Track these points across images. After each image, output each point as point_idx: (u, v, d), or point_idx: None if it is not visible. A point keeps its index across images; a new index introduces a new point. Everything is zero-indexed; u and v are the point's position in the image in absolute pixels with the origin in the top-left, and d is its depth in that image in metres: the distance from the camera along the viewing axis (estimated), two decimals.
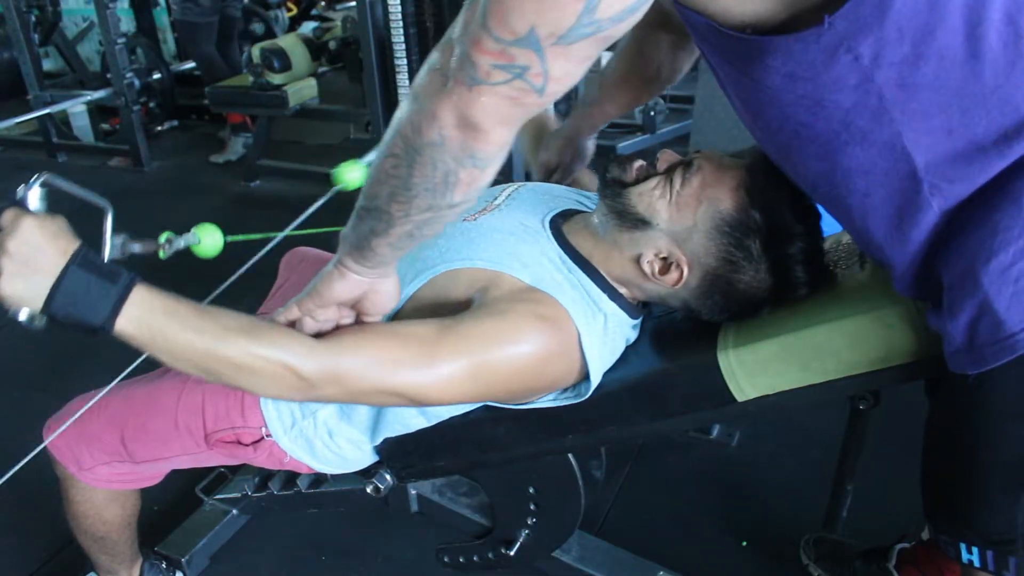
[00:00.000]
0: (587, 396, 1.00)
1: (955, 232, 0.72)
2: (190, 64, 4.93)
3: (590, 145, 1.37)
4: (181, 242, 0.96)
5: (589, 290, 1.01)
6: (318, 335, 0.91)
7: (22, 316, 0.79)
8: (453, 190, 0.74)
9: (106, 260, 0.85)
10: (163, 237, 0.94)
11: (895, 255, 0.78)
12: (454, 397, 0.96)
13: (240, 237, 1.04)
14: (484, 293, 0.98)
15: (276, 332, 0.88)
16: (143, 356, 0.88)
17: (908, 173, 0.71)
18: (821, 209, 0.98)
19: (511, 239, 1.04)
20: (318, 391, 0.88)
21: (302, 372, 0.86)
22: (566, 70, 0.65)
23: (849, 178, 0.75)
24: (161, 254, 0.94)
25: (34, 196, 0.80)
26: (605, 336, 1.01)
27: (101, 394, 1.03)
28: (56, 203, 0.85)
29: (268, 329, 0.88)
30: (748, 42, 0.69)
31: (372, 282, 0.89)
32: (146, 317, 0.81)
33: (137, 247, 0.90)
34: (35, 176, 0.80)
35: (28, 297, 0.78)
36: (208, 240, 0.99)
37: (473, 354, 0.91)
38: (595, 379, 0.99)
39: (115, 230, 0.88)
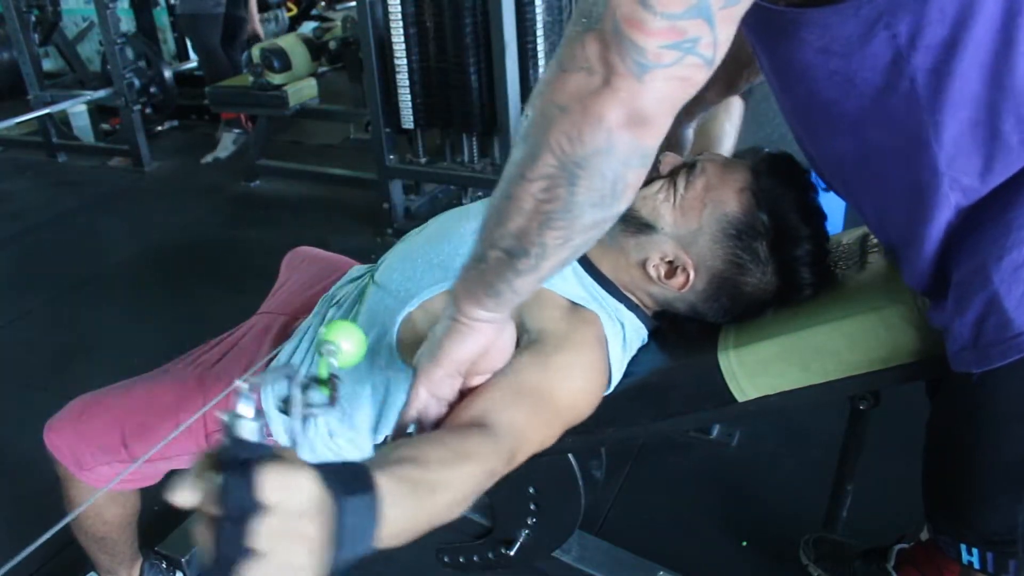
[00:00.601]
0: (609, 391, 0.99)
1: (969, 228, 0.72)
2: (190, 64, 4.94)
3: (688, 135, 1.27)
4: (334, 362, 0.74)
5: (606, 301, 1.01)
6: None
7: None
8: (621, 197, 0.65)
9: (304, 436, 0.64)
10: (323, 371, 0.71)
11: (907, 245, 0.77)
12: (545, 441, 0.86)
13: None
14: (528, 312, 0.92)
15: (474, 444, 0.74)
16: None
17: (930, 163, 0.70)
18: (822, 209, 0.98)
19: None
20: (508, 471, 0.78)
21: (498, 471, 0.75)
22: (729, 33, 0.60)
23: (872, 159, 0.74)
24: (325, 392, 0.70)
25: (248, 426, 0.50)
26: (625, 345, 1.01)
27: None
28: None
29: (469, 446, 0.74)
30: (784, 14, 0.68)
31: (499, 329, 0.79)
32: (398, 513, 0.60)
33: (317, 410, 0.67)
34: (238, 387, 0.53)
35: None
36: (345, 343, 0.76)
37: (575, 399, 0.89)
38: (615, 381, 0.98)
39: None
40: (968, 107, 0.66)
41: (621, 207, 0.67)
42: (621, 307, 1.02)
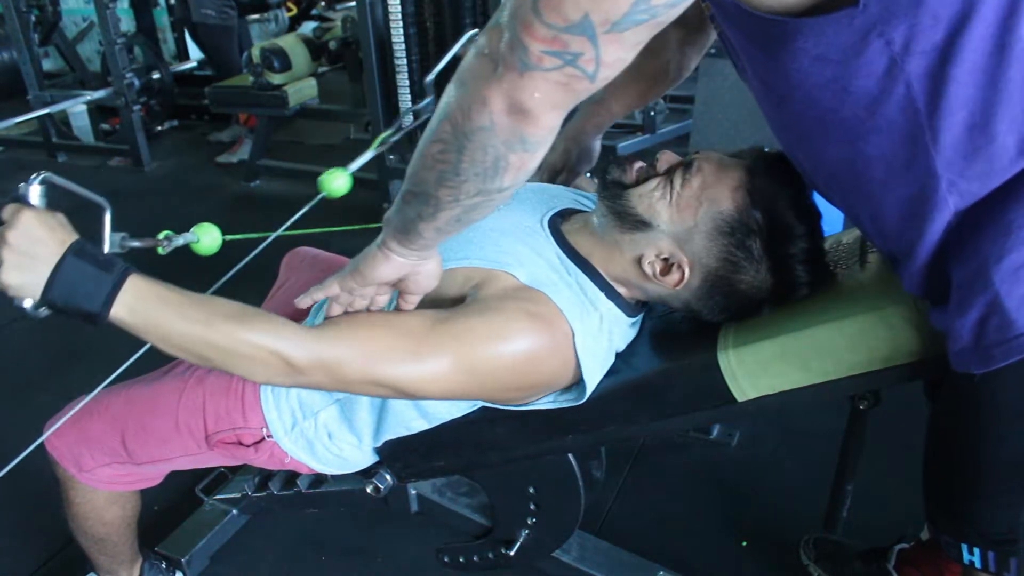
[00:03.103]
0: (585, 398, 0.99)
1: (968, 230, 0.72)
2: (190, 64, 4.94)
3: (596, 145, 1.35)
4: (180, 240, 0.98)
5: (586, 289, 1.01)
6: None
7: (25, 304, 0.82)
8: (503, 174, 0.73)
9: (105, 253, 0.87)
10: (163, 235, 0.96)
11: (905, 250, 0.78)
12: (443, 391, 0.95)
13: (238, 236, 1.05)
14: (477, 290, 0.98)
15: (266, 319, 0.89)
16: (141, 350, 0.89)
17: (927, 168, 0.70)
18: (821, 208, 0.98)
19: (508, 238, 1.04)
20: (306, 377, 0.89)
21: (291, 359, 0.87)
22: (618, 56, 0.64)
23: (869, 167, 0.74)
24: (160, 250, 0.96)
25: (35, 193, 0.83)
26: (600, 335, 1.01)
27: (90, 397, 1.03)
28: (57, 204, 0.87)
29: (259, 316, 0.89)
30: (779, 23, 0.68)
31: (415, 264, 0.90)
32: (140, 305, 0.83)
33: (136, 243, 0.93)
34: (35, 174, 0.84)
35: (29, 286, 0.81)
36: (207, 239, 1.01)
37: (460, 349, 0.91)
38: (589, 379, 0.98)
39: (114, 227, 0.91)
40: (964, 110, 0.67)
41: (504, 183, 0.75)
42: (600, 295, 1.02)
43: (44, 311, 0.83)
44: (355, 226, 1.27)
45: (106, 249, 0.88)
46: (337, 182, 1.04)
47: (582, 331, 0.97)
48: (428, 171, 0.76)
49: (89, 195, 0.88)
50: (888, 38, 0.65)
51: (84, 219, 0.89)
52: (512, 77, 0.66)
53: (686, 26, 1.13)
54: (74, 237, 0.83)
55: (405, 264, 0.89)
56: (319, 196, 1.08)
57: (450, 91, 0.72)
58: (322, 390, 1.07)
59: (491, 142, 0.70)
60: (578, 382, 1.01)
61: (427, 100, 1.17)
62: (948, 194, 0.71)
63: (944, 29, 0.63)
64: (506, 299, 0.96)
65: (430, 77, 1.12)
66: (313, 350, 0.88)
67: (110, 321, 0.83)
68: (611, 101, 1.29)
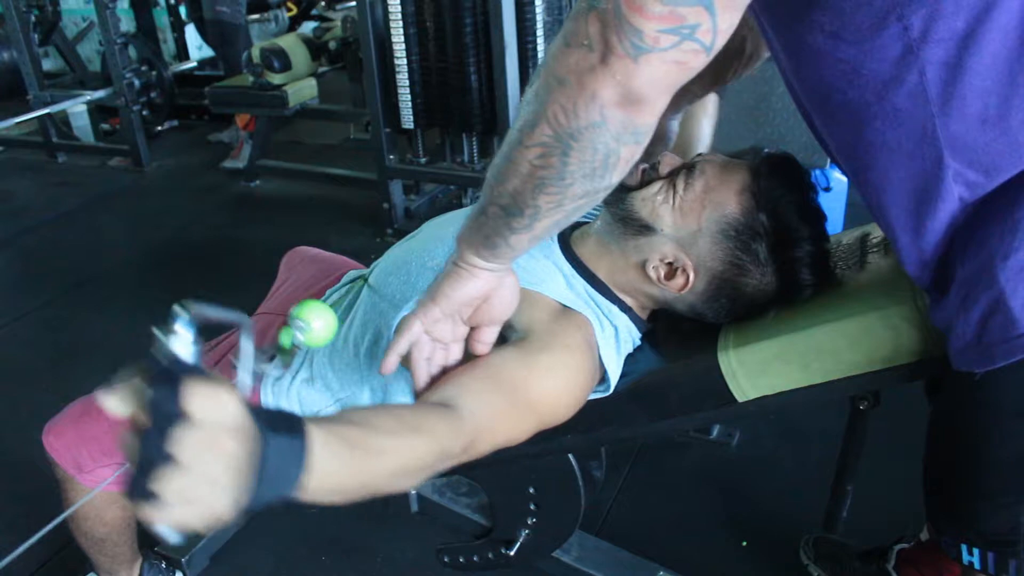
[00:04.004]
0: (609, 392, 0.99)
1: (974, 225, 0.71)
2: (190, 64, 4.94)
3: (674, 126, 1.25)
4: (301, 338, 0.82)
5: (599, 303, 1.01)
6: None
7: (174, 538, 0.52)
8: (613, 170, 0.68)
9: (250, 386, 0.62)
10: (286, 341, 0.81)
11: (909, 239, 0.77)
12: (519, 437, 0.87)
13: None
14: (523, 314, 0.92)
15: (428, 420, 0.74)
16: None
17: (934, 158, 0.69)
18: (823, 209, 0.98)
19: (531, 257, 1.02)
20: (462, 460, 0.78)
21: (456, 454, 0.75)
22: (731, 21, 0.61)
23: (873, 152, 0.73)
24: (283, 362, 0.82)
25: (183, 339, 0.53)
26: (619, 346, 1.01)
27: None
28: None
29: (422, 419, 0.74)
30: None
31: (500, 279, 0.83)
32: (329, 466, 0.57)
33: (271, 367, 0.76)
34: (174, 310, 0.54)
35: (211, 512, 0.49)
36: (316, 322, 0.83)
37: (556, 400, 0.89)
38: (612, 380, 0.98)
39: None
40: (979, 102, 0.65)
41: (614, 180, 0.70)
42: (614, 308, 1.02)
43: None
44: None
45: (247, 379, 0.61)
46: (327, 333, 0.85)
47: (605, 345, 0.97)
48: (523, 181, 0.70)
49: (230, 316, 0.60)
50: (907, 22, 0.63)
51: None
52: (624, 65, 0.60)
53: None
54: (246, 409, 0.51)
55: (491, 279, 0.82)
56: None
57: (540, 91, 0.66)
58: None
59: (601, 139, 0.65)
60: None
61: None
62: (954, 184, 0.70)
63: (966, 17, 0.62)
64: (562, 327, 0.93)
65: None
66: (467, 439, 0.76)
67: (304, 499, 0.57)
68: (692, 82, 1.23)
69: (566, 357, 0.91)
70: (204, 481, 0.47)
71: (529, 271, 1.00)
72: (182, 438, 0.47)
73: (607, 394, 0.99)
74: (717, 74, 1.18)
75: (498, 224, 0.75)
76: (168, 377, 0.49)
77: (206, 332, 0.55)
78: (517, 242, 0.77)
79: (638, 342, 1.08)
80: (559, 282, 1.00)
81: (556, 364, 0.89)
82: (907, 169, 0.72)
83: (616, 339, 1.00)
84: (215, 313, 0.58)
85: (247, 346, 0.62)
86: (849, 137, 0.74)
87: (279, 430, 0.53)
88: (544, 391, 0.87)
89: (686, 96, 1.20)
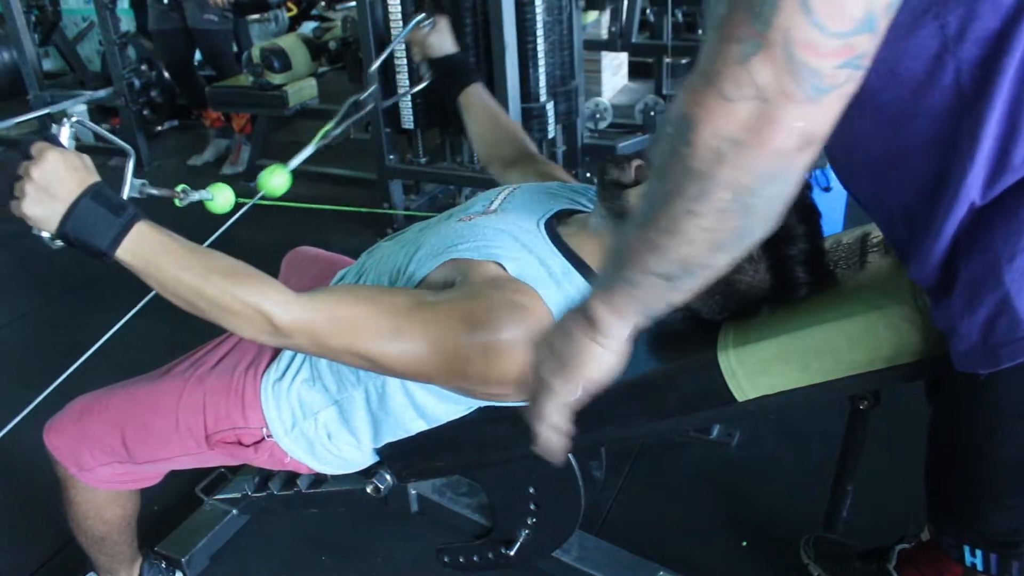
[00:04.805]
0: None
1: (982, 227, 0.71)
2: None
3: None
4: (196, 195, 1.02)
5: (580, 289, 1.00)
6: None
7: (44, 235, 0.90)
8: (781, 210, 0.63)
9: (125, 198, 0.93)
10: (180, 187, 1.01)
11: (919, 240, 0.76)
12: (419, 372, 0.95)
13: (251, 201, 1.08)
14: (464, 277, 0.98)
15: (258, 279, 0.92)
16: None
17: (959, 159, 0.69)
18: (821, 208, 0.98)
19: (502, 235, 1.04)
20: (290, 340, 0.92)
21: (275, 319, 0.89)
22: (879, 41, 0.57)
23: (901, 151, 0.72)
24: (176, 202, 1.01)
25: (64, 134, 0.90)
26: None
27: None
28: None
29: (252, 275, 0.92)
30: None
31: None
32: (142, 249, 0.89)
33: (154, 191, 0.99)
34: (67, 117, 0.91)
35: (46, 220, 0.88)
36: (220, 198, 1.05)
37: (438, 331, 0.91)
38: None
39: (135, 174, 0.97)
40: (1004, 104, 0.65)
41: (778, 216, 0.64)
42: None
43: (59, 244, 0.90)
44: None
45: (125, 194, 0.95)
46: (275, 180, 1.06)
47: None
48: (697, 247, 0.63)
49: (115, 141, 0.97)
50: (943, 21, 0.63)
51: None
52: (807, 110, 0.55)
53: None
54: (95, 179, 0.89)
55: (624, 349, 0.75)
56: (259, 195, 1.10)
57: (707, 156, 0.58)
58: (304, 352, 1.08)
59: (783, 189, 0.60)
60: None
61: (371, 88, 1.16)
62: (971, 187, 0.70)
63: (1003, 17, 0.62)
64: (491, 287, 0.95)
65: (372, 68, 1.11)
66: (300, 316, 0.90)
67: (117, 259, 0.89)
68: None
69: (474, 301, 0.93)
70: (38, 191, 0.86)
71: (499, 246, 1.01)
72: (31, 164, 0.86)
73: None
74: None
75: (658, 291, 0.68)
76: (45, 139, 0.88)
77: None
78: (675, 298, 0.70)
79: None
80: (528, 262, 0.99)
81: (457, 306, 0.93)
82: (933, 171, 0.71)
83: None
84: (102, 133, 0.97)
85: (128, 172, 0.95)
86: (882, 140, 0.73)
87: (101, 201, 0.87)
88: (426, 323, 0.91)
89: None
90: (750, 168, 0.57)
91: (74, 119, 0.91)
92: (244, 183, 3.71)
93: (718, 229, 0.61)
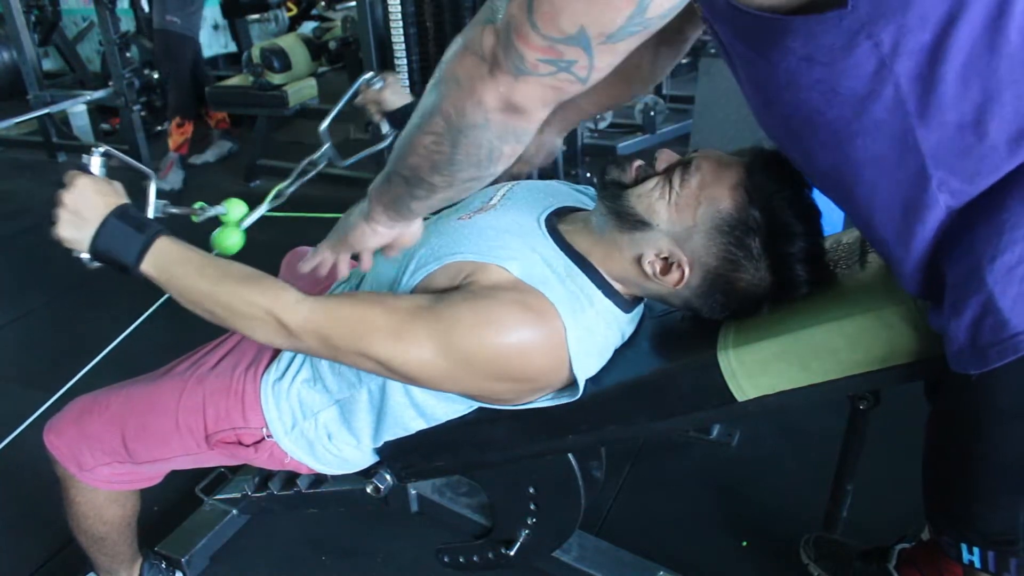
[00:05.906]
0: (579, 395, 0.99)
1: (961, 230, 0.72)
2: None
3: (557, 142, 1.37)
4: (212, 211, 1.08)
5: (583, 286, 1.01)
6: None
7: (83, 257, 0.99)
8: (496, 162, 0.80)
9: (150, 216, 1.03)
10: (197, 204, 1.08)
11: (900, 250, 0.77)
12: (427, 376, 0.96)
13: (256, 214, 1.12)
14: (469, 280, 0.99)
15: (270, 284, 0.96)
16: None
17: (917, 168, 0.70)
18: (821, 207, 0.98)
19: (504, 235, 1.04)
20: (301, 342, 0.95)
21: (285, 322, 0.93)
22: (609, 62, 0.69)
23: (857, 169, 0.74)
24: (194, 218, 1.08)
25: (95, 164, 0.99)
26: (595, 333, 1.01)
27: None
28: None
29: (264, 280, 0.97)
30: (769, 21, 0.68)
31: (401, 231, 0.98)
32: (163, 261, 0.96)
33: (174, 210, 1.07)
34: (96, 146, 1.01)
35: (79, 241, 0.96)
36: (235, 212, 1.10)
37: (444, 335, 0.92)
38: (580, 375, 0.98)
39: (158, 196, 1.05)
40: (954, 110, 0.67)
41: (497, 169, 0.81)
42: (598, 292, 1.02)
43: (96, 264, 0.99)
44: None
45: (150, 214, 1.04)
46: (229, 240, 1.09)
47: (575, 328, 0.97)
48: (421, 159, 0.82)
49: (138, 167, 1.07)
50: (876, 39, 0.65)
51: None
52: (507, 79, 0.70)
53: (663, 30, 1.12)
54: (122, 202, 0.98)
55: (390, 234, 0.98)
56: (261, 209, 1.12)
57: (439, 86, 0.76)
58: (316, 355, 1.07)
59: (485, 136, 0.75)
60: (573, 382, 1.00)
61: (324, 148, 1.18)
62: (939, 192, 0.71)
63: (932, 30, 0.64)
64: (497, 290, 0.96)
65: (323, 126, 1.14)
66: (310, 318, 0.93)
67: (142, 272, 0.96)
68: (583, 100, 1.27)
69: (480, 304, 0.95)
70: (70, 215, 0.95)
71: (502, 247, 1.01)
72: (64, 191, 0.95)
73: (580, 391, 0.99)
74: (613, 96, 1.28)
75: (401, 192, 0.89)
76: (77, 167, 0.98)
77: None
78: (417, 208, 0.91)
79: (628, 327, 1.08)
80: (532, 261, 1.00)
81: (463, 308, 0.94)
82: (893, 181, 0.73)
83: (594, 323, 1.00)
84: (127, 160, 1.05)
85: (151, 193, 1.06)
86: (833, 158, 0.76)
87: (126, 221, 0.96)
88: (431, 326, 0.93)
89: (577, 113, 1.34)
90: (458, 108, 0.74)
91: (103, 148, 1.01)
92: (244, 183, 3.72)
93: (433, 150, 0.80)
